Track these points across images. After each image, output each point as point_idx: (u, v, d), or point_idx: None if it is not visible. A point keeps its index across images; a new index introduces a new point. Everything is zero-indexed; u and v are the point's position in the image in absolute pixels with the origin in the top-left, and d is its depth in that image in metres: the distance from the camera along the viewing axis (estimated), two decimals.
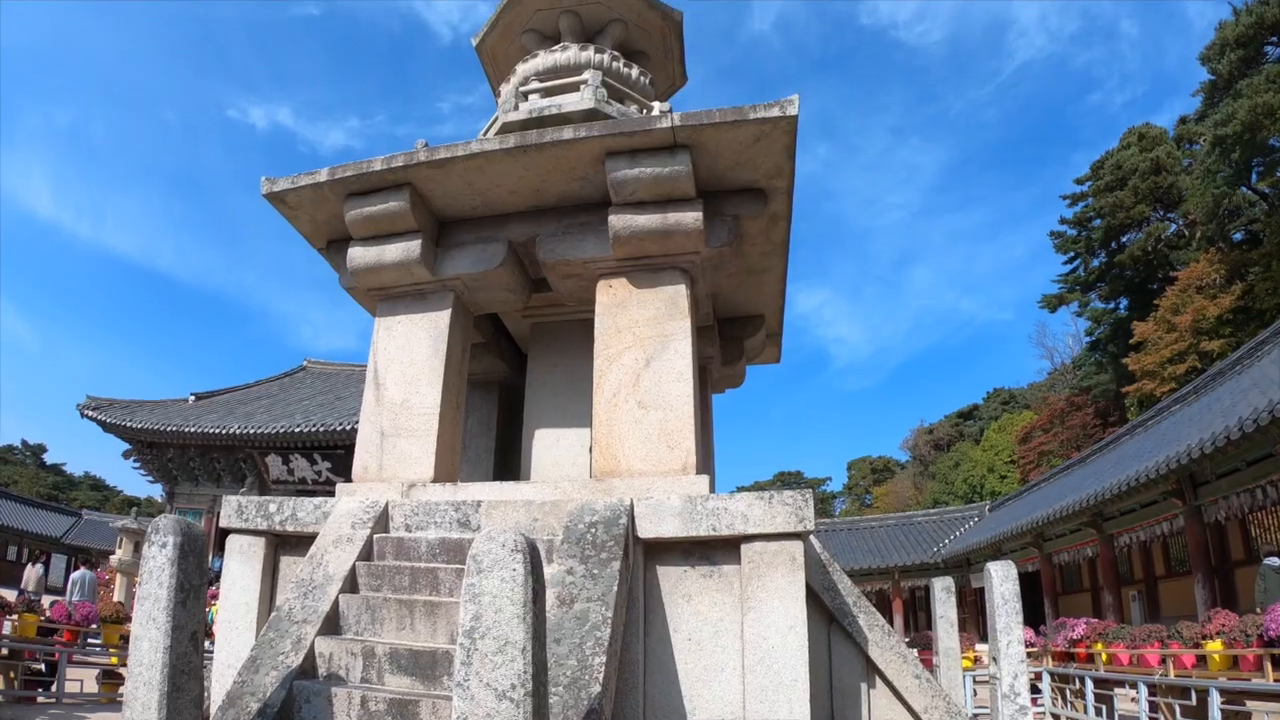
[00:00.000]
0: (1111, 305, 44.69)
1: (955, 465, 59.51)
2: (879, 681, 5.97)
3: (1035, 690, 14.73)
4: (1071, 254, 46.11)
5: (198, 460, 27.50)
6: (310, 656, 4.83)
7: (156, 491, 31.77)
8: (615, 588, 4.56)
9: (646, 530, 5.15)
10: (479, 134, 7.61)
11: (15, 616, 13.31)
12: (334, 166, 6.54)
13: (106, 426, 27.28)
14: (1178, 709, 11.21)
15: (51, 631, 13.94)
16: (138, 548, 21.72)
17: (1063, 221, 46.22)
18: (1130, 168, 40.31)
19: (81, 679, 12.84)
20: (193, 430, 25.60)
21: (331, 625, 5.11)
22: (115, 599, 19.89)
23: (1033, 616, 19.92)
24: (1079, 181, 45.41)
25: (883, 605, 33.77)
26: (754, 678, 4.78)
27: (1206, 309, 32.23)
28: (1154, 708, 11.79)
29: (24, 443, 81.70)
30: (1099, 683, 13.60)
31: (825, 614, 6.11)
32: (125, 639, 13.87)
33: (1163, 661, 12.00)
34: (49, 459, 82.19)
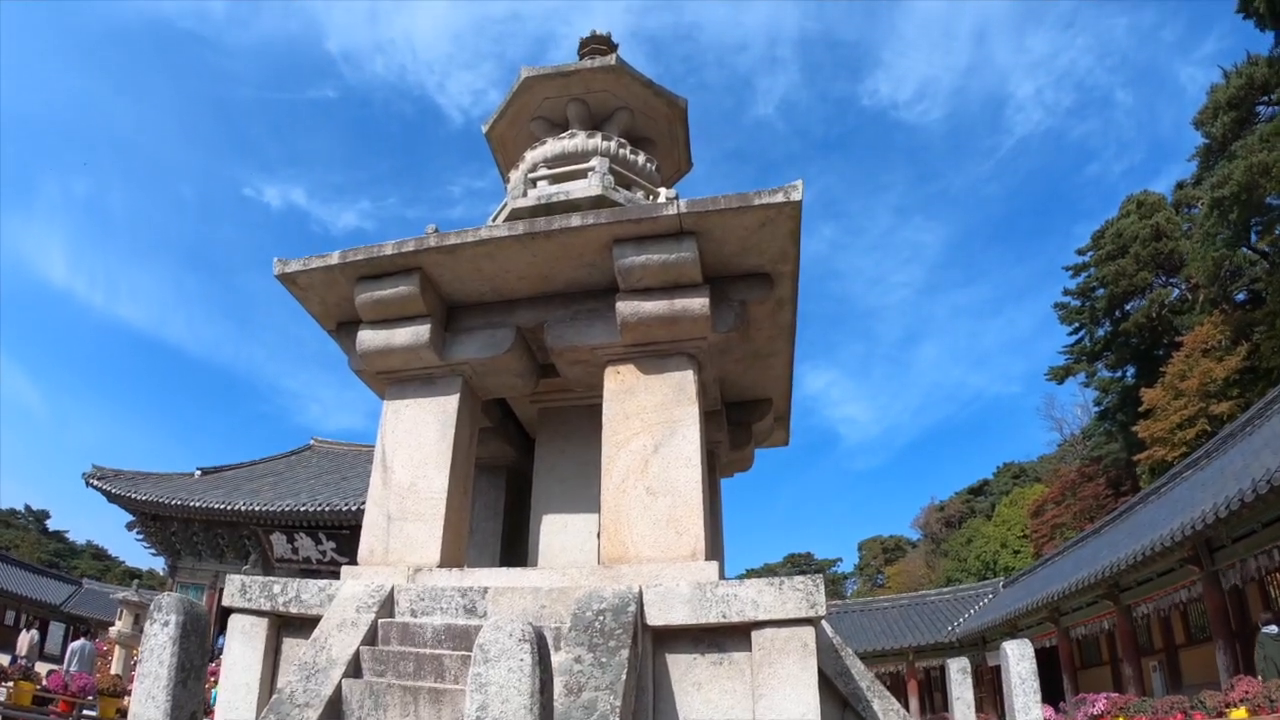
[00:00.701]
0: (1119, 374, 44.64)
1: (968, 542, 58.73)
2: None
3: None
4: (1076, 324, 46.27)
5: (202, 535, 27.31)
6: None
7: (159, 564, 31.52)
8: (624, 676, 4.50)
9: (655, 617, 5.09)
10: (489, 218, 7.78)
11: (11, 683, 13.09)
12: (345, 250, 6.66)
13: (111, 497, 27.20)
14: None
15: (47, 701, 13.69)
16: (138, 620, 21.44)
17: (1066, 293, 46.53)
18: (1131, 235, 40.72)
19: None
20: (198, 505, 25.49)
21: (334, 710, 5.03)
22: (113, 671, 19.54)
23: (1051, 694, 19.43)
24: (1080, 252, 45.86)
25: (897, 687, 32.96)
26: None
27: (1213, 371, 32.19)
28: None
29: (27, 508, 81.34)
30: None
31: (839, 699, 6.00)
32: (122, 713, 13.61)
33: None
34: (52, 526, 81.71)
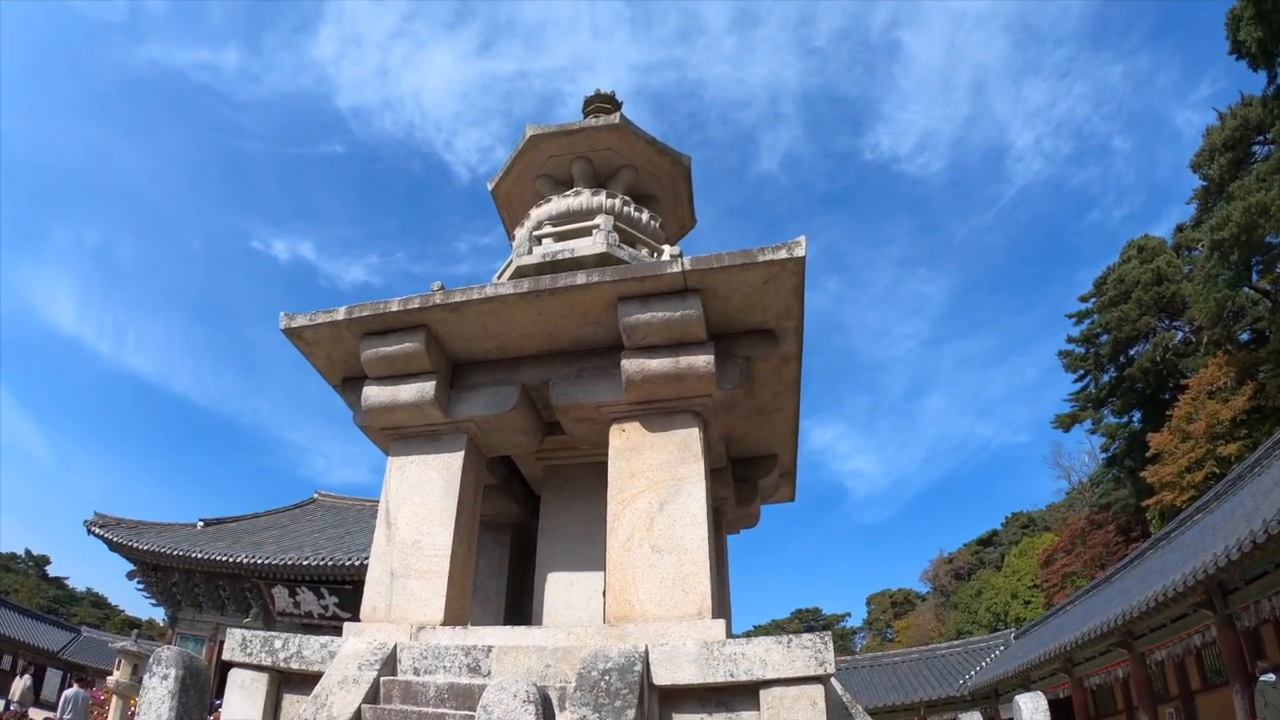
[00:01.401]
0: (1125, 419, 44.34)
1: (977, 594, 57.89)
2: None
3: None
4: (1081, 371, 46.11)
5: (203, 587, 27.07)
6: None
7: (159, 614, 31.17)
8: None
9: (662, 677, 5.05)
10: (494, 275, 7.86)
11: None
12: (351, 306, 6.73)
13: (113, 545, 27.00)
14: None
15: None
16: (136, 670, 21.15)
17: (1070, 340, 46.44)
18: (1132, 280, 40.81)
19: None
20: (200, 556, 25.29)
21: None
22: None
23: None
24: (1083, 299, 45.90)
25: None
26: None
27: (1219, 413, 32.01)
28: None
29: (28, 552, 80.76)
30: None
31: None
32: None
33: None
34: (52, 572, 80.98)
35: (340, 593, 24.14)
